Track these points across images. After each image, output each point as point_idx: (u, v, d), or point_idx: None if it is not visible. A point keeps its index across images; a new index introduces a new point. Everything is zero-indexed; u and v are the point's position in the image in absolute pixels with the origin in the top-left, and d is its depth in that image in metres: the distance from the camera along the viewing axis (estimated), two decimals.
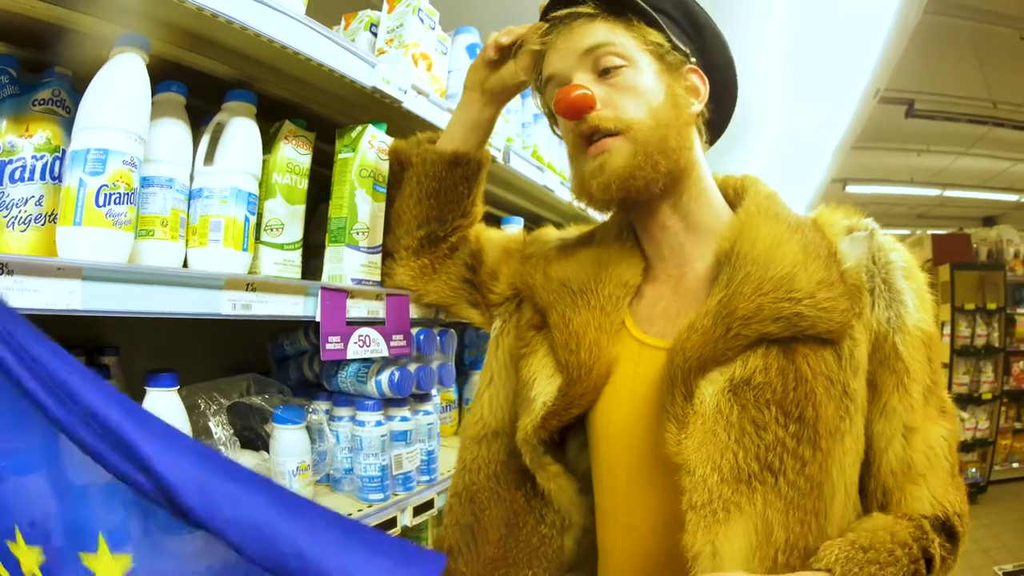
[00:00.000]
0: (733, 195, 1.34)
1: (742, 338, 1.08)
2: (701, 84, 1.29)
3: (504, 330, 1.48)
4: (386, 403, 1.83)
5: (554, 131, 1.46)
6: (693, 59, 1.29)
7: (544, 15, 1.28)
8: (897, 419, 1.12)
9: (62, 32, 1.34)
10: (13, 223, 1.15)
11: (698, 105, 1.28)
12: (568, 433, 1.32)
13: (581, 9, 1.22)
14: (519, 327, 1.41)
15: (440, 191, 1.57)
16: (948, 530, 1.10)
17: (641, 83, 1.21)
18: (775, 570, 1.00)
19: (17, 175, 1.17)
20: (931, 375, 1.15)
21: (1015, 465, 8.15)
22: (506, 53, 1.44)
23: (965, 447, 7.65)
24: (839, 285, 1.11)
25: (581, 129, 1.20)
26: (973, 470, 7.71)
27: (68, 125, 1.19)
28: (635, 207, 1.28)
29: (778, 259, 1.12)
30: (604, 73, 1.21)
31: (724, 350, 1.08)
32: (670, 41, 1.24)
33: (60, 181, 1.16)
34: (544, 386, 1.26)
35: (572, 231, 1.56)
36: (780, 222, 1.19)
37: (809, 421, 1.03)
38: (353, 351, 1.58)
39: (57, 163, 1.19)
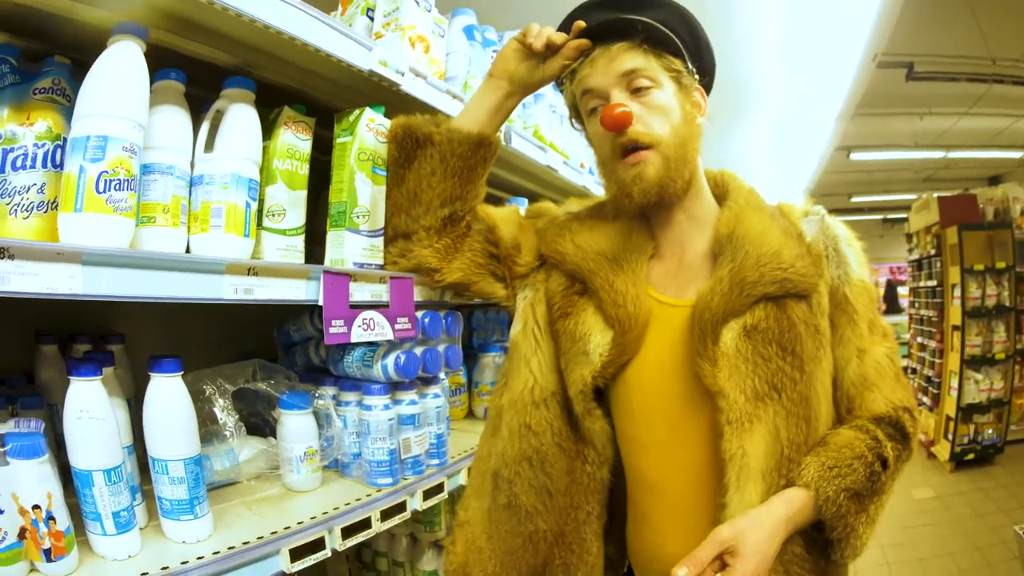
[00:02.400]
0: (714, 187, 1.67)
1: (751, 297, 1.44)
2: (703, 100, 1.60)
3: (536, 299, 1.67)
4: (393, 387, 1.87)
5: (573, 125, 1.73)
6: (701, 79, 1.59)
7: (586, 34, 1.52)
8: (851, 345, 1.52)
9: (62, 21, 1.38)
10: (16, 210, 1.19)
11: (702, 119, 1.58)
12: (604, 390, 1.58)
13: (625, 42, 1.49)
14: (551, 293, 1.64)
15: (464, 170, 1.68)
16: (900, 428, 1.49)
17: (665, 103, 1.50)
18: (781, 462, 1.38)
19: (19, 163, 1.21)
20: (872, 312, 1.57)
21: None
22: (541, 52, 1.61)
23: (981, 409, 7.69)
24: (807, 256, 1.50)
25: (621, 141, 1.47)
26: (990, 431, 7.73)
27: (68, 113, 1.23)
28: (655, 206, 1.54)
29: (768, 240, 1.49)
30: (635, 92, 1.49)
31: (739, 306, 1.44)
32: (685, 66, 1.53)
33: (61, 169, 1.20)
34: (599, 339, 1.52)
35: (575, 205, 1.82)
36: (763, 212, 1.57)
37: (797, 353, 1.42)
38: (357, 335, 1.63)
39: (58, 151, 1.23)
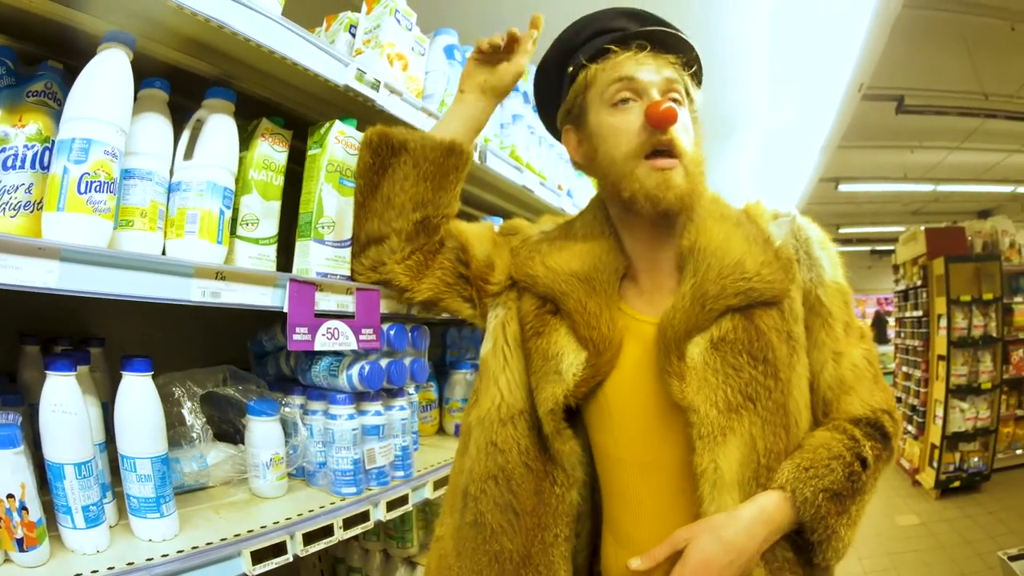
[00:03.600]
0: None
1: (714, 311, 1.45)
2: (700, 129, 1.61)
3: (508, 317, 1.67)
4: (359, 397, 1.92)
5: (558, 123, 1.73)
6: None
7: (630, 34, 1.56)
8: (827, 348, 1.53)
9: (57, 27, 1.45)
10: (4, 208, 1.25)
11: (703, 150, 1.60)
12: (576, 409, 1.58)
13: (671, 55, 1.56)
14: (523, 313, 1.63)
15: (436, 175, 1.75)
16: (880, 429, 1.49)
17: (689, 123, 1.55)
18: (758, 471, 1.40)
19: (9, 163, 1.28)
20: (847, 314, 1.58)
21: (1019, 452, 8.38)
22: (498, 51, 1.75)
23: (966, 437, 7.90)
24: (775, 262, 1.50)
25: (657, 139, 1.47)
26: (976, 459, 7.92)
27: (58, 117, 1.30)
28: (650, 218, 1.53)
29: (730, 250, 1.49)
30: (673, 102, 1.50)
31: (702, 321, 1.45)
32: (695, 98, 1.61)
33: (48, 170, 1.27)
34: (572, 359, 1.52)
35: (548, 222, 1.83)
36: (726, 220, 1.58)
37: (770, 361, 1.43)
38: (321, 343, 1.69)
39: (46, 153, 1.30)
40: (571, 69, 1.63)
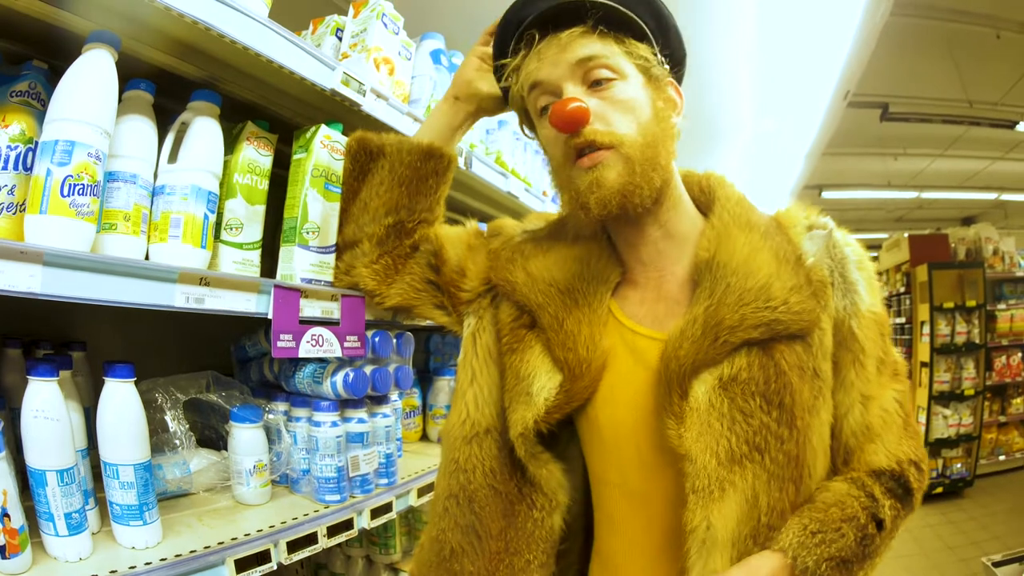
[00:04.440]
0: (699, 193, 1.49)
1: (728, 344, 1.26)
2: (678, 97, 1.43)
3: (480, 327, 1.55)
4: (343, 405, 1.92)
5: (523, 132, 1.58)
6: (672, 71, 1.43)
7: (525, 25, 1.36)
8: (855, 390, 1.35)
9: (42, 26, 1.44)
10: None
11: (677, 118, 1.41)
12: (560, 426, 1.42)
13: (578, 27, 1.31)
14: (498, 324, 1.50)
15: (413, 180, 1.67)
16: (903, 484, 1.33)
17: (631, 98, 1.32)
18: (758, 529, 1.22)
19: None
20: (883, 348, 1.39)
21: (1001, 458, 8.55)
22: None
23: (949, 443, 8.01)
24: (807, 287, 1.31)
25: (575, 142, 1.30)
26: (959, 465, 8.03)
27: (42, 117, 1.29)
28: (621, 220, 1.37)
29: (755, 270, 1.30)
30: (595, 85, 1.32)
31: (714, 355, 1.26)
32: (656, 55, 1.37)
33: (31, 172, 1.26)
34: (545, 382, 1.38)
35: (537, 221, 1.67)
36: (753, 230, 1.37)
37: (787, 406, 1.24)
38: (305, 350, 1.68)
39: (30, 154, 1.29)
40: (504, 81, 1.48)
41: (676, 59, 1.45)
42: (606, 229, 1.49)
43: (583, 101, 1.27)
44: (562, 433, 1.44)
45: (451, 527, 1.46)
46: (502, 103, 1.67)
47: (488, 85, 1.66)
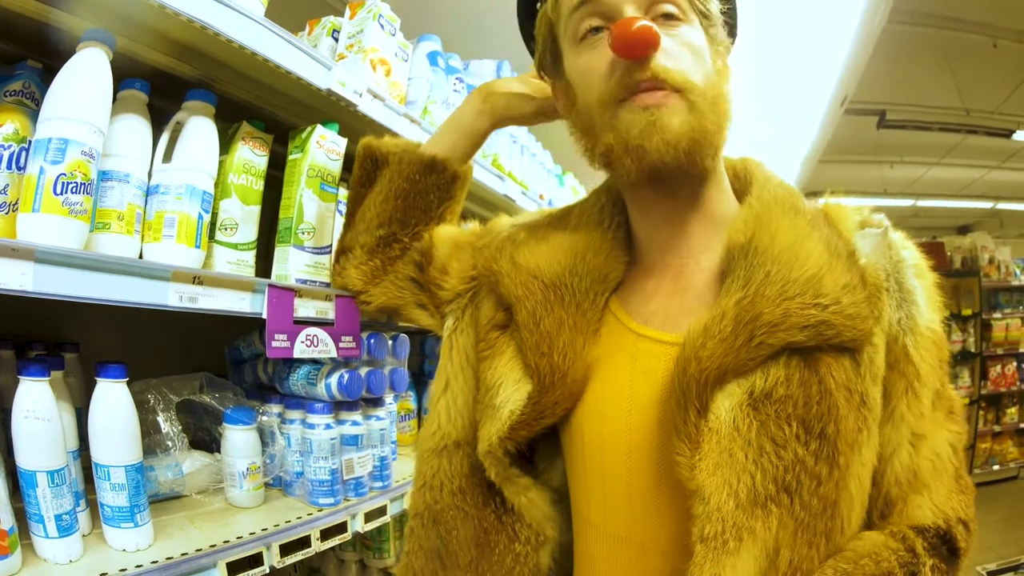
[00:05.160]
0: (733, 178, 1.29)
1: (766, 347, 1.01)
2: (729, 70, 1.22)
3: (458, 328, 1.39)
4: (337, 407, 1.92)
5: (539, 72, 1.36)
6: (731, 40, 1.25)
7: None
8: (905, 426, 1.09)
9: (36, 26, 1.44)
10: None
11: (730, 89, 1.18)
12: (538, 441, 1.24)
13: None
14: (478, 325, 1.32)
15: (409, 194, 1.56)
16: (950, 543, 1.07)
17: (699, 44, 1.13)
18: None
19: None
20: (940, 378, 1.14)
21: (995, 467, 8.54)
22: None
23: None
24: (861, 289, 1.06)
25: (635, 76, 1.07)
26: None
27: (36, 117, 1.28)
28: (661, 184, 1.15)
29: (802, 258, 1.05)
30: (663, 18, 1.11)
31: (746, 360, 1.01)
32: (719, 11, 1.19)
33: (24, 171, 1.25)
34: (511, 392, 1.17)
35: (536, 214, 1.49)
36: (799, 215, 1.13)
37: (831, 437, 0.98)
38: (300, 350, 1.67)
39: (23, 154, 1.28)
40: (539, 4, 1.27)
41: (734, 30, 1.28)
42: (618, 216, 1.30)
43: (652, 24, 1.04)
44: (540, 455, 1.28)
45: (415, 550, 1.31)
46: (537, 111, 1.55)
47: (521, 85, 1.54)
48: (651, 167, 1.07)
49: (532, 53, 1.36)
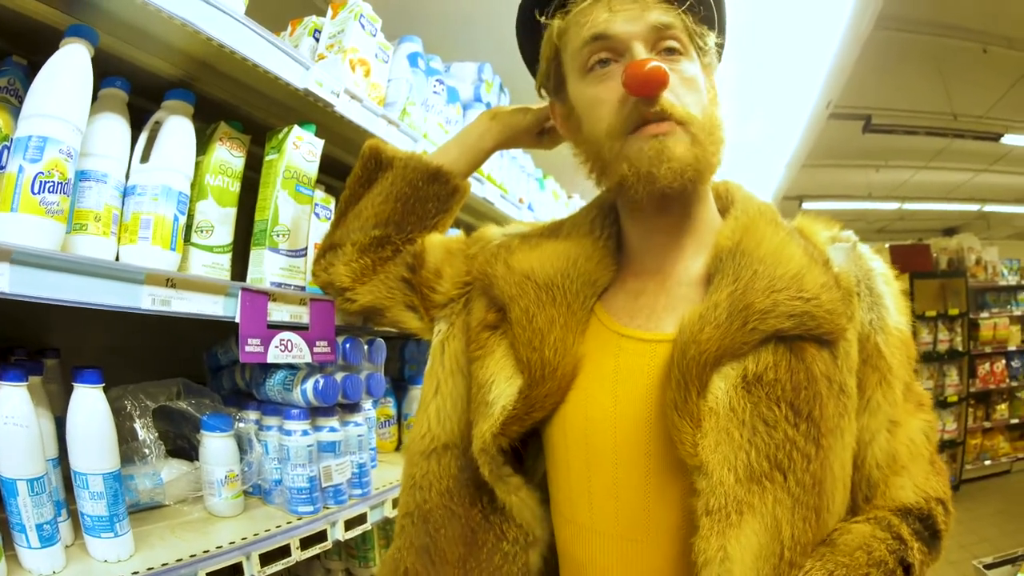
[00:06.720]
0: (717, 199, 1.41)
1: (758, 332, 1.12)
2: (717, 91, 1.34)
3: (450, 334, 1.46)
4: (314, 413, 1.92)
5: (540, 94, 1.46)
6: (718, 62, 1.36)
7: None
8: (882, 414, 1.22)
9: (22, 21, 1.44)
10: None
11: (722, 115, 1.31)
12: (528, 445, 1.34)
13: None
14: (469, 329, 1.39)
15: (410, 199, 1.62)
16: (931, 526, 1.20)
17: (696, 77, 1.25)
18: (780, 568, 1.05)
19: None
20: (908, 374, 1.28)
21: (987, 463, 8.82)
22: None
23: None
24: (836, 289, 1.19)
25: (643, 111, 1.18)
26: None
27: (18, 114, 1.29)
28: (661, 202, 1.25)
29: (785, 260, 1.18)
30: (665, 54, 1.22)
31: (740, 343, 1.12)
32: (713, 43, 1.31)
33: (5, 169, 1.25)
34: (503, 388, 1.25)
35: (527, 225, 1.60)
36: (780, 227, 1.27)
37: (816, 420, 1.09)
38: (274, 355, 1.67)
39: (4, 152, 1.29)
40: (543, 19, 1.33)
41: (721, 53, 1.37)
42: (610, 227, 1.42)
43: (662, 64, 1.15)
44: (529, 454, 1.36)
45: (407, 546, 1.38)
46: (542, 135, 1.68)
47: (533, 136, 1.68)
48: (660, 192, 1.19)
49: (525, 58, 1.48)
